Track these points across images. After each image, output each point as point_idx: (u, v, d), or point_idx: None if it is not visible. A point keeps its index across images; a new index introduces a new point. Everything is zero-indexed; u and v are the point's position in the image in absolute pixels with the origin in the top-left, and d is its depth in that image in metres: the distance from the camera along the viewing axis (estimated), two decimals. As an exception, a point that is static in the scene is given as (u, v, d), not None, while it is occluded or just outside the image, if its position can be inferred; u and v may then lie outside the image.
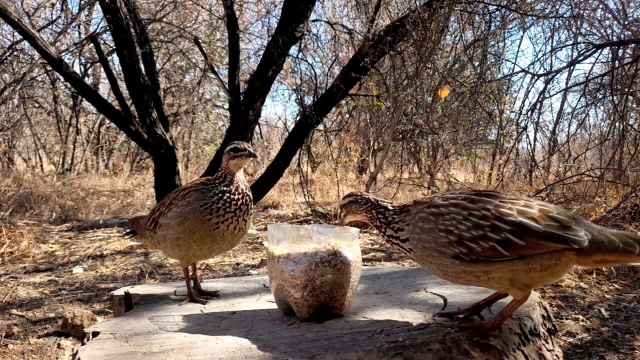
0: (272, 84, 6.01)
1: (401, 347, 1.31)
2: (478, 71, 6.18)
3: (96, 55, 6.93)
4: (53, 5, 8.05)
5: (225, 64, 9.74)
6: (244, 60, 9.28)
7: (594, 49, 5.15)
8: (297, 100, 8.10)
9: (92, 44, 7.12)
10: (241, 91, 5.85)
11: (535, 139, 6.55)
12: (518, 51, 18.72)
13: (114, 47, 6.24)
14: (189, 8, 8.62)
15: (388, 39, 5.07)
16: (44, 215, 6.18)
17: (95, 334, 1.55)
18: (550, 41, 7.38)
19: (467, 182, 8.61)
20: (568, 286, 3.22)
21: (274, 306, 1.74)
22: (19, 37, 6.67)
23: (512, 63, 13.85)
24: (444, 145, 8.11)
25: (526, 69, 6.01)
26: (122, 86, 6.18)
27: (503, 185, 6.28)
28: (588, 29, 6.61)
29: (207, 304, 1.88)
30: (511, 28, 7.02)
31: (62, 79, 9.05)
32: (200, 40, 6.37)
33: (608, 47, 5.35)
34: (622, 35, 6.32)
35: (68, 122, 11.03)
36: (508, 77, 7.32)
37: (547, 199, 5.49)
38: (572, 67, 7.65)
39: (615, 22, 6.56)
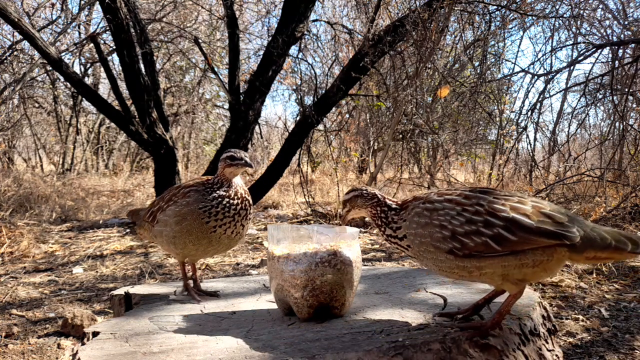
0: (272, 84, 6.01)
1: (401, 347, 1.31)
2: (478, 71, 6.18)
3: (96, 55, 6.93)
4: (53, 5, 8.05)
5: (225, 64, 9.75)
6: (244, 60, 9.28)
7: (594, 49, 5.15)
8: (297, 100, 8.11)
9: (92, 44, 7.12)
10: (241, 91, 5.85)
11: (535, 139, 6.56)
12: (518, 51, 18.73)
13: (114, 47, 6.23)
14: (189, 8, 8.62)
15: (388, 39, 5.07)
16: (44, 215, 6.18)
17: (95, 334, 1.55)
18: (550, 41, 7.39)
19: (467, 182, 8.61)
20: (568, 286, 3.22)
21: (274, 306, 1.74)
22: (19, 37, 6.67)
23: (512, 63, 13.87)
24: (444, 145, 8.11)
25: (526, 69, 6.01)
26: (122, 86, 6.18)
27: (503, 185, 6.28)
28: (588, 29, 6.61)
29: (200, 302, 1.89)
30: (511, 28, 7.03)
31: (62, 79, 9.05)
32: (200, 40, 6.37)
33: (608, 47, 5.36)
34: (622, 35, 6.33)
35: (68, 122, 11.03)
36: (508, 77, 7.33)
37: (547, 199, 5.49)
38: (572, 67, 7.65)
39: (615, 22, 6.57)
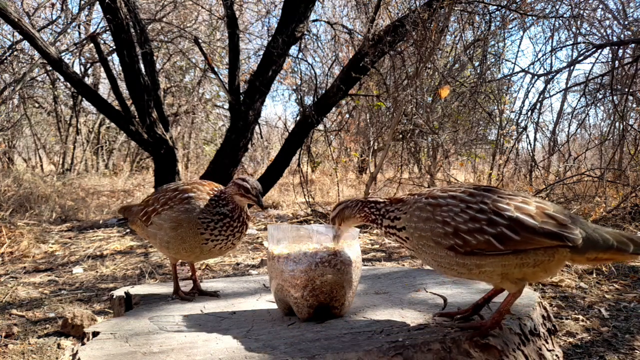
0: (272, 84, 6.01)
1: (401, 347, 1.31)
2: (478, 71, 6.18)
3: (96, 55, 6.93)
4: (53, 5, 8.05)
5: (225, 64, 9.74)
6: (244, 60, 9.28)
7: (594, 49, 5.16)
8: (297, 100, 8.10)
9: (92, 44, 7.12)
10: (241, 91, 5.85)
11: (535, 139, 6.57)
12: (518, 51, 18.75)
13: (114, 47, 6.24)
14: (189, 8, 8.62)
15: (388, 39, 5.07)
16: (44, 215, 6.18)
17: (95, 334, 1.55)
18: (550, 41, 7.39)
19: (467, 182, 8.60)
20: (568, 286, 3.22)
21: (274, 306, 1.74)
22: (19, 37, 6.67)
23: (512, 63, 13.86)
24: (444, 145, 8.11)
25: (526, 69, 6.02)
26: (122, 86, 6.18)
27: (503, 185, 6.28)
28: (588, 29, 6.61)
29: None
30: (511, 28, 7.03)
31: (62, 79, 9.05)
32: (200, 40, 6.37)
33: (608, 47, 5.36)
34: (622, 35, 6.33)
35: (68, 122, 11.03)
36: (508, 77, 7.33)
37: (547, 199, 5.49)
38: (572, 67, 7.66)
39: (615, 22, 6.57)
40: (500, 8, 5.33)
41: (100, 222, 6.08)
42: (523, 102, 8.91)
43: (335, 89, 5.54)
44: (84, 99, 9.99)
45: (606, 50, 5.82)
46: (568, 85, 8.04)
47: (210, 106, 11.93)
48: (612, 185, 5.98)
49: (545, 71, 6.05)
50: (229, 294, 2.01)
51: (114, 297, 2.00)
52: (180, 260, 2.03)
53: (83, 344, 1.51)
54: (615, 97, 5.73)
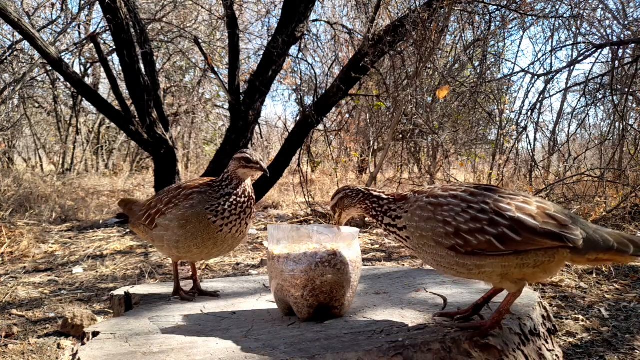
0: (272, 84, 6.00)
1: (401, 347, 1.31)
2: (478, 71, 6.18)
3: (96, 55, 6.92)
4: (53, 5, 8.05)
5: (225, 64, 9.74)
6: (244, 60, 9.28)
7: (594, 49, 5.16)
8: (297, 100, 8.10)
9: (92, 44, 7.12)
10: (241, 91, 5.85)
11: (535, 139, 6.57)
12: (518, 51, 18.69)
13: (114, 47, 6.23)
14: (189, 8, 8.62)
15: (388, 39, 5.06)
16: (44, 215, 6.18)
17: (95, 334, 1.55)
18: (550, 41, 7.39)
19: (467, 182, 8.59)
20: (568, 286, 3.22)
21: (274, 306, 1.74)
22: (19, 37, 6.68)
23: (512, 63, 13.86)
24: (444, 145, 8.10)
25: (526, 69, 6.02)
26: (122, 86, 6.17)
27: (503, 185, 6.28)
28: (588, 29, 6.61)
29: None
30: (511, 28, 7.03)
31: (62, 79, 9.05)
32: (200, 40, 6.37)
33: (608, 47, 5.36)
34: (622, 35, 6.33)
35: (68, 122, 11.03)
36: (508, 77, 7.33)
37: (547, 199, 5.49)
38: (572, 67, 7.65)
39: (615, 22, 6.57)
40: (500, 8, 5.33)
41: (100, 222, 6.08)
42: (523, 102, 8.92)
43: (335, 89, 5.54)
44: (84, 99, 9.99)
45: (606, 50, 5.82)
46: (568, 85, 8.04)
47: (210, 106, 11.92)
48: (612, 185, 5.98)
49: (545, 71, 6.05)
50: (229, 294, 2.01)
51: (114, 297, 2.00)
52: (181, 260, 2.01)
53: (83, 344, 1.51)
54: (615, 97, 5.73)
